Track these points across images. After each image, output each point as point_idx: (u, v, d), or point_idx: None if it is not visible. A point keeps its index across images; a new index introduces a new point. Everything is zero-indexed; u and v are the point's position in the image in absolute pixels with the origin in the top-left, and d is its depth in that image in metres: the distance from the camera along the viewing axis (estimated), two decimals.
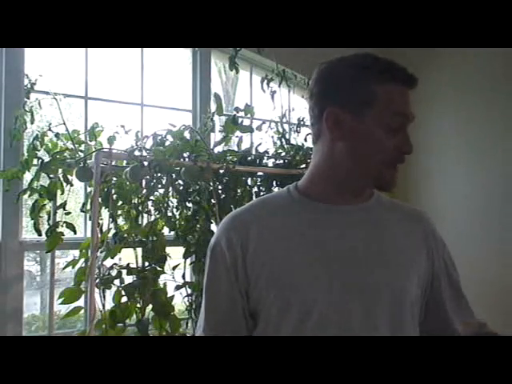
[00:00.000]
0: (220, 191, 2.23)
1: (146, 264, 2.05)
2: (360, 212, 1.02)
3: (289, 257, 0.97)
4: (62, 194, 2.04)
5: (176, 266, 2.15)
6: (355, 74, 0.96)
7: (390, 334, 0.95)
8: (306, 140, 2.53)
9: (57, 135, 2.10)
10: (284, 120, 2.58)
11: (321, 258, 0.96)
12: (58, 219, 2.02)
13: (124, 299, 2.00)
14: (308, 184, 1.04)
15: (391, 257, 1.00)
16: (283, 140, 2.51)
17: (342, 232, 0.99)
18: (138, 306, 2.01)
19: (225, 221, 1.04)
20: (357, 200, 1.03)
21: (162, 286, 2.07)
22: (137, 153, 2.02)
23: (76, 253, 2.08)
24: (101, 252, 1.97)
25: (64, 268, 2.12)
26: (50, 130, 2.09)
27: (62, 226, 2.01)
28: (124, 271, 2.03)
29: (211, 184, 2.15)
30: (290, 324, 0.95)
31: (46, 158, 2.04)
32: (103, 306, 1.96)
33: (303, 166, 2.38)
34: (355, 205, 1.02)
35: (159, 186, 2.11)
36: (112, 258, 2.01)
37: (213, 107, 2.49)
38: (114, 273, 2.00)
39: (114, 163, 2.05)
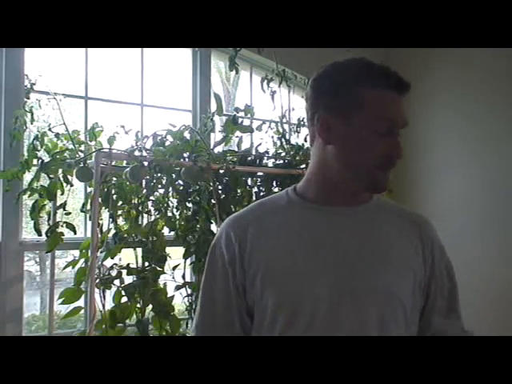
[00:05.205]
0: (220, 191, 2.22)
1: (146, 264, 2.05)
2: (355, 214, 1.02)
3: (283, 256, 0.99)
4: (62, 194, 2.04)
5: (176, 266, 2.15)
6: (345, 79, 0.97)
7: (379, 334, 0.94)
8: (306, 140, 2.53)
9: (57, 135, 2.10)
10: (284, 120, 2.58)
11: (314, 258, 0.97)
12: (58, 219, 2.02)
13: (124, 299, 2.00)
14: (305, 186, 1.06)
15: (382, 259, 0.98)
16: (283, 140, 2.51)
17: (336, 233, 0.99)
18: (138, 306, 2.01)
19: (225, 222, 1.07)
20: (354, 202, 1.03)
21: (162, 286, 2.07)
22: (137, 153, 2.02)
23: (76, 253, 2.08)
24: (101, 252, 1.97)
25: (64, 268, 2.12)
26: (50, 130, 2.09)
27: (62, 226, 2.01)
28: (124, 271, 2.03)
29: (211, 184, 2.14)
30: (282, 322, 0.96)
31: (46, 158, 2.04)
32: (103, 306, 1.96)
33: (303, 166, 2.38)
34: (352, 207, 1.02)
35: (159, 186, 2.11)
36: (112, 258, 2.01)
37: (213, 107, 2.49)
38: (114, 273, 2.00)
39: (113, 163, 2.05)
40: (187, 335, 2.16)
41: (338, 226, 1.00)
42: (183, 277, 2.16)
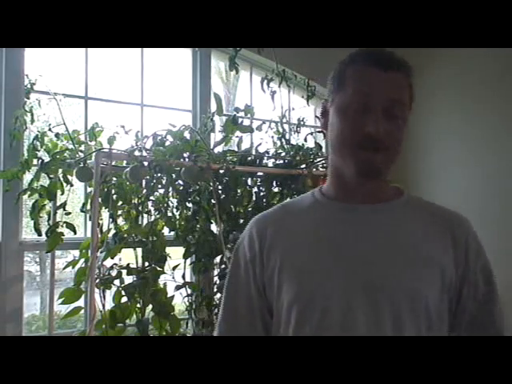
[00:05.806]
0: (220, 191, 2.22)
1: (146, 264, 2.05)
2: (378, 211, 0.99)
3: (299, 253, 0.98)
4: (62, 194, 2.04)
5: (176, 266, 2.15)
6: (339, 66, 1.00)
7: (394, 334, 0.92)
8: (306, 140, 2.53)
9: (57, 135, 2.10)
10: (284, 120, 2.58)
11: (330, 255, 0.96)
12: (58, 219, 2.02)
13: (124, 299, 2.00)
14: (327, 184, 1.06)
15: (405, 257, 0.95)
16: (283, 140, 2.51)
17: (355, 231, 0.97)
18: (138, 306, 2.01)
19: (249, 224, 1.08)
20: (378, 199, 1.00)
21: (162, 286, 2.07)
22: (137, 153, 2.02)
23: (76, 253, 2.08)
24: (101, 252, 1.97)
25: (64, 268, 2.12)
26: (50, 130, 2.09)
27: (62, 226, 2.01)
28: (124, 271, 2.03)
29: (211, 184, 2.15)
30: (294, 319, 0.95)
31: (46, 158, 2.04)
32: (103, 306, 1.96)
33: (303, 166, 2.38)
34: (374, 204, 1.00)
35: (159, 186, 2.11)
36: (112, 258, 2.01)
37: (213, 107, 2.49)
38: (114, 273, 2.01)
39: (113, 163, 2.05)
40: (187, 335, 2.16)
41: (355, 223, 0.98)
42: (183, 277, 2.17)
